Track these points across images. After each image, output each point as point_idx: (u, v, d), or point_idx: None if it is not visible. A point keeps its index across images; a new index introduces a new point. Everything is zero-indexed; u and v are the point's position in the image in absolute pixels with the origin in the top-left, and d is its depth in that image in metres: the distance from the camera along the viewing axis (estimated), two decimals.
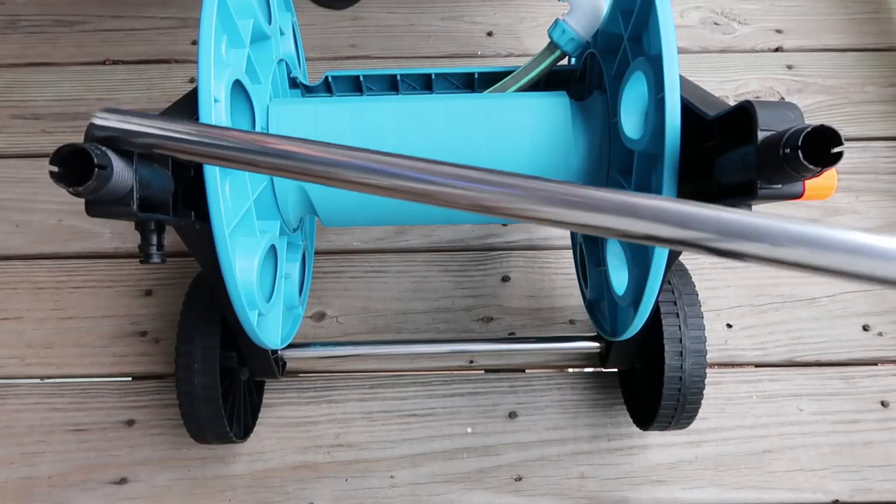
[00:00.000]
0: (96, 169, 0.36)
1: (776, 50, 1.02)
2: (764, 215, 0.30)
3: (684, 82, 0.49)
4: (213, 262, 0.48)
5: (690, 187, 0.48)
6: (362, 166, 0.33)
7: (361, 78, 0.68)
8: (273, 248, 0.59)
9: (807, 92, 0.98)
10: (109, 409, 0.79)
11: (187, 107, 0.50)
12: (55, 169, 0.35)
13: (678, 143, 0.45)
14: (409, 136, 0.58)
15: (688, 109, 0.47)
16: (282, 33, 0.66)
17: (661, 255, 0.48)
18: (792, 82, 0.99)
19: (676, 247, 0.31)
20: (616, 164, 0.57)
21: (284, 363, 0.74)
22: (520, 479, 0.76)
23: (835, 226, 0.29)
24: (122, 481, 0.75)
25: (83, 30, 1.02)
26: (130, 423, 0.78)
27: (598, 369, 0.81)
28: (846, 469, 0.76)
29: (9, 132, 0.94)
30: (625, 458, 0.77)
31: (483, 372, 0.82)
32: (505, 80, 0.66)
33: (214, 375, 0.64)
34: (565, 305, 0.85)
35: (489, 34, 1.03)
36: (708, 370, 0.66)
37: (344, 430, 0.78)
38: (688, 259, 0.85)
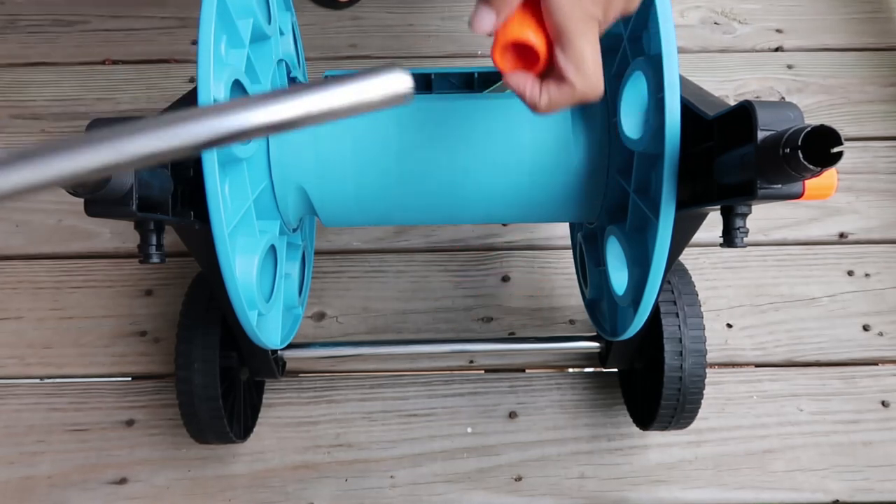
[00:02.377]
0: None
1: (776, 50, 1.02)
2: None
3: (684, 82, 0.49)
4: (213, 262, 0.48)
5: (690, 187, 0.48)
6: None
7: None
8: (273, 248, 0.59)
9: (807, 92, 0.98)
10: (109, 409, 0.79)
11: (187, 107, 0.50)
12: None
13: (678, 143, 0.45)
14: (409, 136, 0.58)
15: (687, 109, 0.47)
16: (281, 33, 0.66)
17: (660, 255, 0.48)
18: (792, 82, 0.99)
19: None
20: (616, 164, 0.57)
21: (284, 363, 0.74)
22: (520, 479, 0.76)
23: None
24: (122, 481, 0.75)
25: (83, 30, 1.02)
26: (130, 423, 0.78)
27: (598, 369, 0.81)
28: (846, 469, 0.76)
29: (9, 132, 0.94)
30: (625, 458, 0.77)
31: (483, 372, 0.82)
32: None
33: (214, 375, 0.64)
34: (565, 305, 0.85)
35: (489, 34, 1.03)
36: (708, 370, 0.66)
37: (344, 430, 0.78)
38: (688, 259, 0.85)
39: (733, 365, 0.82)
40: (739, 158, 0.41)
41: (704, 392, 0.66)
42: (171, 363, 0.79)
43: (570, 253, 0.87)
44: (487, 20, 0.42)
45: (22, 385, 0.81)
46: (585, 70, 0.41)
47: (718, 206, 0.45)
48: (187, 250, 0.54)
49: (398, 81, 0.29)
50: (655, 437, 0.78)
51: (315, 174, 0.58)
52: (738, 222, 0.44)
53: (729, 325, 0.84)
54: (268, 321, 0.62)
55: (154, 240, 0.46)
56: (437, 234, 0.89)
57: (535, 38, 0.40)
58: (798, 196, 0.40)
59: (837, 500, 0.75)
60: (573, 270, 0.86)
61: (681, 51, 1.01)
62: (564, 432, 0.78)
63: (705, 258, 0.87)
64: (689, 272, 0.70)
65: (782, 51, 1.02)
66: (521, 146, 0.58)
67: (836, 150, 0.33)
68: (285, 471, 0.76)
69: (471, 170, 0.58)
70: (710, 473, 0.76)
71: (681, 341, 0.65)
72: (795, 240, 0.89)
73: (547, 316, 0.84)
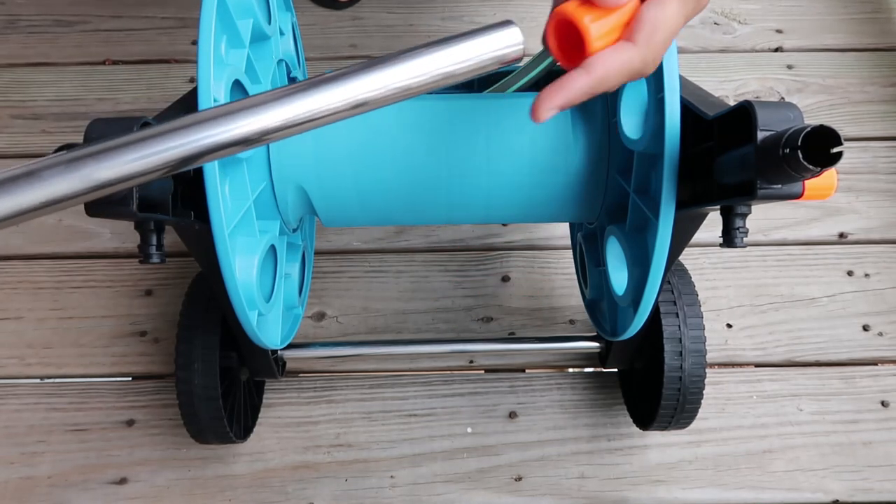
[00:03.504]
0: None
1: (776, 50, 1.02)
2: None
3: (684, 82, 0.49)
4: (213, 262, 0.48)
5: (690, 187, 0.48)
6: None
7: None
8: (273, 248, 0.59)
9: (807, 92, 0.98)
10: (109, 409, 0.79)
11: (187, 107, 0.50)
12: None
13: (678, 143, 0.45)
14: (409, 137, 0.58)
15: (687, 109, 0.47)
16: (281, 33, 0.66)
17: (660, 255, 0.48)
18: (792, 82, 0.99)
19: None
20: (616, 164, 0.57)
21: (284, 363, 0.74)
22: (520, 479, 0.76)
23: None
24: (122, 481, 0.75)
25: (83, 30, 1.02)
26: (130, 423, 0.78)
27: (598, 369, 0.81)
28: (846, 469, 0.76)
29: (9, 132, 0.94)
30: (625, 458, 0.77)
31: (483, 372, 0.82)
32: (505, 79, 0.66)
33: (214, 375, 0.64)
34: (565, 305, 0.85)
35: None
36: (708, 370, 0.66)
37: (344, 430, 0.78)
38: (688, 259, 0.85)
39: (733, 365, 0.82)
40: (739, 158, 0.41)
41: (704, 392, 0.66)
42: (171, 363, 0.79)
43: (570, 253, 0.87)
44: None
45: (22, 385, 0.81)
46: (659, 38, 0.36)
47: (718, 206, 0.45)
48: (187, 250, 0.54)
49: (511, 38, 0.28)
50: (655, 437, 0.78)
51: (315, 174, 0.58)
52: (738, 222, 0.44)
53: (729, 325, 0.84)
54: (268, 321, 0.62)
55: (154, 240, 0.46)
56: (437, 234, 0.89)
57: (589, 25, 0.36)
58: (798, 196, 0.40)
59: (837, 500, 0.75)
60: (573, 270, 0.86)
61: (681, 51, 1.01)
62: (564, 432, 0.78)
63: (705, 258, 0.87)
64: (689, 272, 0.70)
65: (782, 51, 1.02)
66: (521, 146, 0.58)
67: (835, 150, 0.33)
68: (285, 471, 0.76)
69: (471, 170, 0.58)
70: (709, 473, 0.76)
71: (681, 341, 0.65)
72: (795, 240, 0.89)
73: (547, 316, 0.84)
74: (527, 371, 0.82)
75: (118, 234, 0.88)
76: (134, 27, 1.02)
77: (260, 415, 0.78)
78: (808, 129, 0.34)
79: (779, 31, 1.03)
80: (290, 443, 0.78)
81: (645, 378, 0.71)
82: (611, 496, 0.75)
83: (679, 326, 0.65)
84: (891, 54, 1.01)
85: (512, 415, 0.79)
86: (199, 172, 0.47)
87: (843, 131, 0.95)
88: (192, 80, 0.99)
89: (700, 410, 0.68)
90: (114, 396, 0.80)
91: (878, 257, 0.88)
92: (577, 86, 0.36)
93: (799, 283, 0.86)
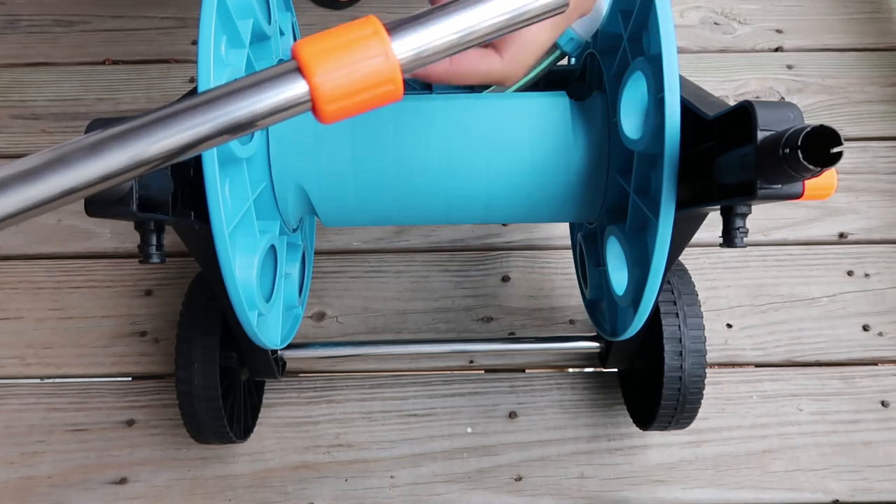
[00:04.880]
0: None
1: (776, 50, 1.02)
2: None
3: (684, 82, 0.49)
4: (213, 262, 0.48)
5: (690, 187, 0.48)
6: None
7: None
8: (273, 248, 0.59)
9: (807, 92, 0.98)
10: (109, 409, 0.79)
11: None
12: None
13: (678, 143, 0.45)
14: (408, 137, 0.58)
15: (687, 109, 0.47)
16: (282, 33, 0.66)
17: (660, 255, 0.48)
18: (792, 82, 0.99)
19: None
20: (616, 164, 0.57)
21: (284, 363, 0.74)
22: (520, 479, 0.76)
23: None
24: (122, 481, 0.75)
25: (83, 30, 1.02)
26: (130, 423, 0.78)
27: (598, 369, 0.81)
28: (846, 469, 0.76)
29: (9, 132, 0.94)
30: (625, 458, 0.77)
31: (483, 372, 0.82)
32: None
33: (214, 375, 0.64)
34: (565, 305, 0.85)
35: None
36: (708, 370, 0.66)
37: (344, 430, 0.78)
38: (688, 259, 0.85)
39: (733, 365, 0.82)
40: (739, 158, 0.41)
41: (704, 392, 0.66)
42: (171, 363, 0.79)
43: (570, 253, 0.87)
44: None
45: (22, 385, 0.81)
46: (526, 54, 0.37)
47: (718, 206, 0.45)
48: (187, 250, 0.54)
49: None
50: (655, 437, 0.78)
51: (315, 174, 0.58)
52: (738, 222, 0.44)
53: (729, 325, 0.84)
54: (268, 321, 0.62)
55: (154, 240, 0.46)
56: (437, 234, 0.89)
57: None
58: (798, 196, 0.40)
59: (837, 500, 0.75)
60: (573, 270, 0.86)
61: (681, 51, 1.01)
62: (564, 432, 0.78)
63: (705, 258, 0.87)
64: (689, 272, 0.70)
65: (782, 51, 1.02)
66: (521, 146, 0.58)
67: (835, 150, 0.33)
68: (285, 471, 0.76)
69: (470, 170, 0.58)
70: (710, 473, 0.76)
71: (681, 341, 0.65)
72: (795, 240, 0.89)
73: (547, 316, 0.84)
74: (527, 371, 0.82)
75: (118, 234, 0.88)
76: (134, 27, 1.02)
77: (260, 415, 0.78)
78: (808, 129, 0.34)
79: (779, 31, 1.03)
80: (290, 443, 0.78)
81: (645, 378, 0.71)
82: (611, 496, 0.75)
83: (679, 326, 0.65)
84: (891, 54, 1.01)
85: (512, 415, 0.79)
86: (199, 172, 0.47)
87: (843, 131, 0.95)
88: (192, 80, 0.99)
89: (700, 410, 0.68)
90: (114, 396, 0.80)
91: (878, 257, 0.88)
92: (436, 70, 0.38)
93: (799, 283, 0.86)
